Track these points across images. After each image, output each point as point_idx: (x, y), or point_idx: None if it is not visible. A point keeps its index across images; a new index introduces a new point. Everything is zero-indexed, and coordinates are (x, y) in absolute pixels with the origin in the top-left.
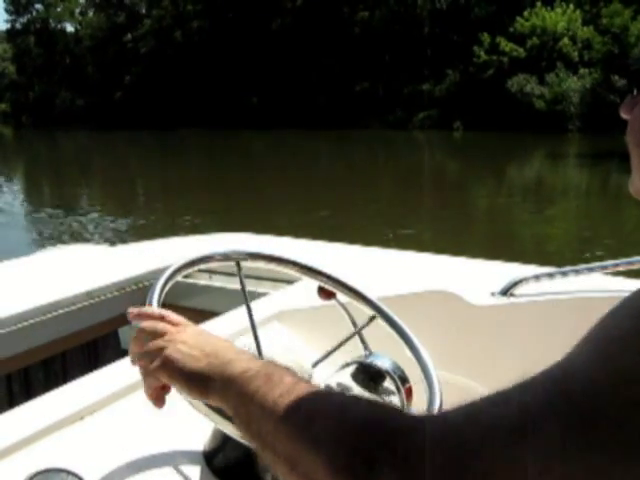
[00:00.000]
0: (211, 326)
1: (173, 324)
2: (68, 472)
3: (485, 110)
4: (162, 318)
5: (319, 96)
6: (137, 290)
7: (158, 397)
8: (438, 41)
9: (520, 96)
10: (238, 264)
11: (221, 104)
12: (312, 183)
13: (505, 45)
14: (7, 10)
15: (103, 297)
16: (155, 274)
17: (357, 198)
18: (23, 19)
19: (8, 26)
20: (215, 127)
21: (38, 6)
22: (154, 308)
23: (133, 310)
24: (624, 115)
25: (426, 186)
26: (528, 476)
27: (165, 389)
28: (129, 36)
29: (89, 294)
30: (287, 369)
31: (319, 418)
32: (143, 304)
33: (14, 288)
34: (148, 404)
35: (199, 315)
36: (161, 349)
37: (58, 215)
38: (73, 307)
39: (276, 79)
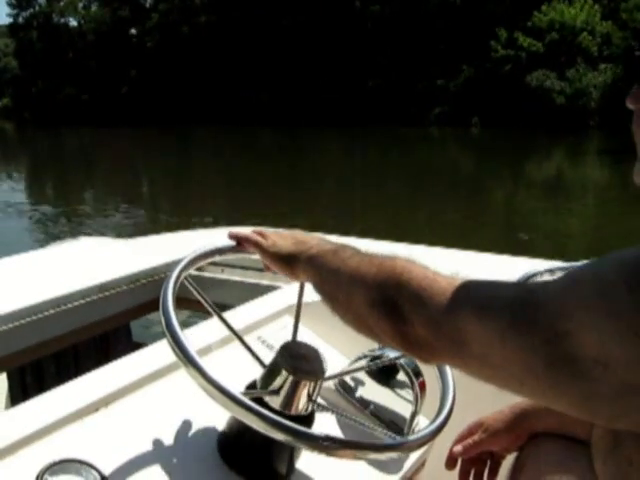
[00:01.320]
0: (225, 316)
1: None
2: (83, 462)
3: (503, 106)
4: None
5: (330, 92)
6: (149, 283)
7: (241, 242)
8: (451, 36)
9: (540, 92)
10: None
11: (230, 100)
12: (324, 181)
13: (523, 40)
14: (10, 4)
15: (115, 290)
16: (167, 267)
17: (371, 195)
18: (26, 13)
19: (10, 20)
20: (223, 124)
21: (41, 0)
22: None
23: (232, 231)
24: (630, 105)
25: (442, 183)
26: (479, 346)
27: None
28: (134, 30)
29: (101, 287)
30: (348, 247)
31: (362, 269)
32: (155, 297)
33: (26, 281)
34: (162, 397)
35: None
36: (265, 238)
37: (62, 212)
38: (85, 300)
39: (287, 75)
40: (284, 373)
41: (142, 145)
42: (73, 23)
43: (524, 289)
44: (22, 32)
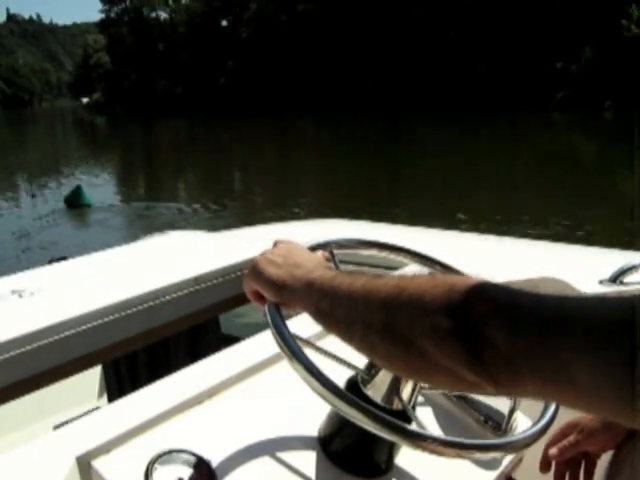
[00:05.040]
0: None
1: (278, 245)
2: (191, 453)
3: None
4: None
5: (439, 78)
6: (242, 276)
7: (255, 299)
8: (569, 16)
9: None
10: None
11: (332, 89)
12: (433, 170)
13: None
14: (102, 0)
15: (209, 283)
16: None
17: (483, 183)
18: (117, 9)
19: (101, 17)
20: (325, 113)
21: None
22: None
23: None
24: None
25: (563, 171)
26: (588, 377)
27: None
28: (227, 21)
29: (196, 280)
30: (354, 272)
31: (410, 287)
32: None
33: (121, 275)
34: (263, 389)
35: None
36: (257, 261)
37: (154, 206)
38: (180, 293)
39: (392, 61)
40: None
41: (239, 136)
42: (164, 16)
43: None
44: (113, 28)
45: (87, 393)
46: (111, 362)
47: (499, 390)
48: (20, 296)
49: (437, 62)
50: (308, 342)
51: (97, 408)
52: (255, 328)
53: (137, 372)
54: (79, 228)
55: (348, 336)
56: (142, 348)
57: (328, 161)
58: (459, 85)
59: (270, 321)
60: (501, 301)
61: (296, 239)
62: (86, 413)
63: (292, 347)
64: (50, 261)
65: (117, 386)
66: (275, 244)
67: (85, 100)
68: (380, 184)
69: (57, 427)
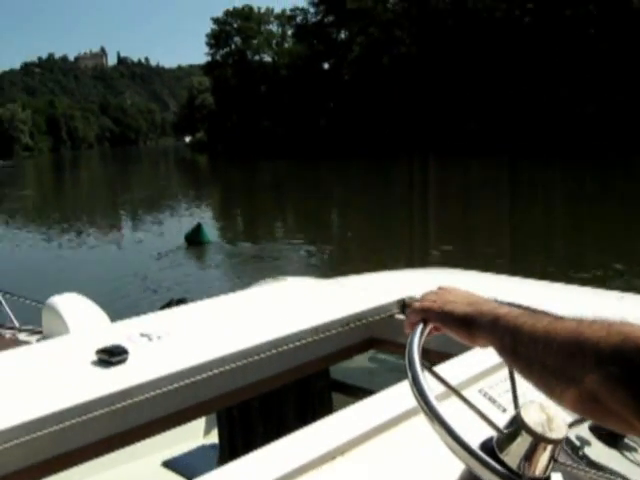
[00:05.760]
0: (446, 367)
1: (444, 289)
2: None
3: None
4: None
5: (546, 119)
6: (359, 326)
7: (412, 327)
8: None
9: None
10: None
11: (434, 130)
12: (551, 219)
13: None
14: (208, 44)
15: (325, 333)
16: (377, 310)
17: (590, 226)
18: (222, 52)
19: (208, 59)
20: (428, 155)
21: (236, 39)
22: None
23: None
24: None
25: None
26: None
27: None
28: (329, 64)
29: (314, 331)
30: (537, 310)
31: (586, 333)
32: (365, 338)
33: (240, 322)
34: (396, 445)
35: (432, 356)
36: (434, 300)
37: (253, 248)
38: (297, 343)
39: (496, 102)
40: (524, 434)
41: (340, 178)
42: (267, 59)
43: None
44: (217, 70)
45: (196, 430)
46: (224, 411)
47: None
48: (149, 339)
49: (543, 104)
50: (454, 390)
51: (205, 446)
52: (361, 373)
53: (249, 414)
54: (199, 267)
55: (527, 374)
56: (255, 397)
57: (433, 205)
58: (566, 126)
59: (409, 373)
60: None
61: (414, 289)
62: (194, 450)
63: (434, 410)
64: (170, 302)
65: (227, 426)
66: (440, 288)
67: (188, 139)
68: (491, 230)
69: (166, 463)
